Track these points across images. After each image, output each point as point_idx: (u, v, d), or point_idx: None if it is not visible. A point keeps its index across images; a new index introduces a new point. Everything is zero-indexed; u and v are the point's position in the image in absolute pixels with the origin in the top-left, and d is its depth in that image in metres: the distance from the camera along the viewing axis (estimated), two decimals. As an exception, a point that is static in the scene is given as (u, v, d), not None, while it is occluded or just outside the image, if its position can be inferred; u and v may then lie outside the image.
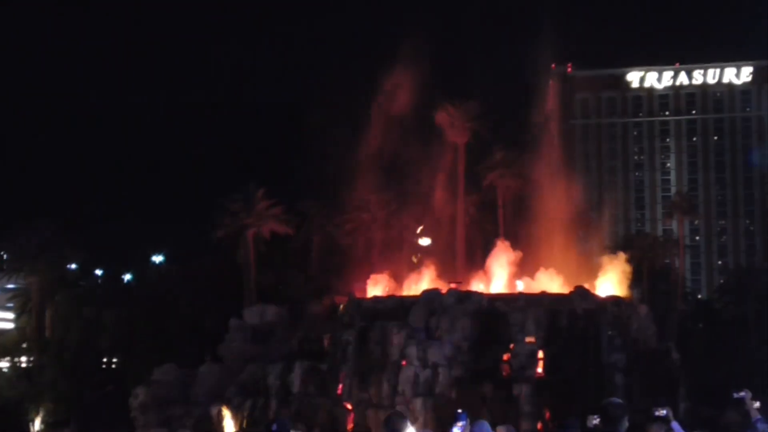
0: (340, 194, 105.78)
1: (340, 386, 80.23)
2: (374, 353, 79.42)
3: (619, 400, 13.23)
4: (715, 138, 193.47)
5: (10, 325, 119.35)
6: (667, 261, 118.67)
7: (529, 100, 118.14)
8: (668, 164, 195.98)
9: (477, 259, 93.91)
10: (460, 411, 14.82)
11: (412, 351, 78.16)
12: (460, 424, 14.71)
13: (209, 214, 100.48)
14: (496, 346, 78.10)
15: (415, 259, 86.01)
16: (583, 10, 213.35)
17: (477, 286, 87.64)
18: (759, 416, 18.10)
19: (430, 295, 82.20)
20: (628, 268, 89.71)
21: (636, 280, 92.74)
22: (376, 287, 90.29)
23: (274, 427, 16.82)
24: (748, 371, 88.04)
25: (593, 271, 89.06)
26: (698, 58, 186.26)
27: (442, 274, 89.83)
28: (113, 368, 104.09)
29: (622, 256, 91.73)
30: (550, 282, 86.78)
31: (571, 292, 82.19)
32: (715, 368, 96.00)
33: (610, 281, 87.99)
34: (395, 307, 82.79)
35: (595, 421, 17.58)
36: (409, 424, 13.31)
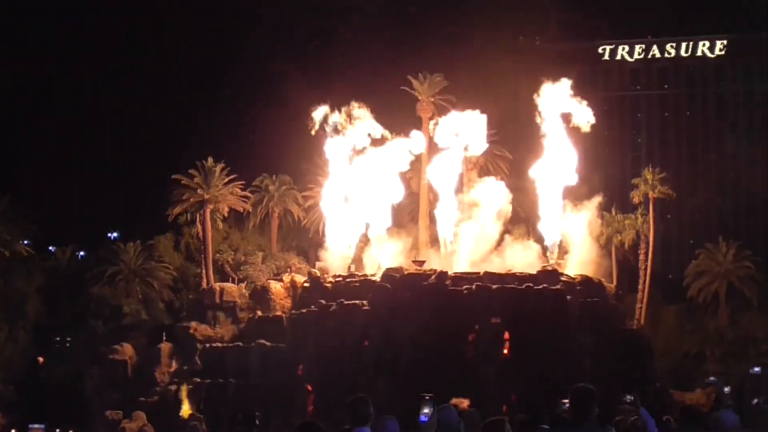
0: (299, 170, 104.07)
1: (300, 367, 78.78)
2: (335, 333, 77.82)
3: (590, 386, 12.62)
4: (688, 113, 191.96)
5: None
6: (638, 240, 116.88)
7: (497, 73, 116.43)
8: (639, 140, 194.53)
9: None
10: (427, 397, 12.97)
11: (374, 331, 76.80)
12: (426, 410, 13.45)
13: (166, 190, 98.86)
14: (461, 326, 76.48)
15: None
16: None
17: (434, 259, 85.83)
18: (730, 401, 17.35)
19: (393, 274, 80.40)
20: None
21: (605, 260, 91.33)
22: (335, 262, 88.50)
23: (240, 417, 16.71)
24: (719, 354, 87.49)
25: (561, 250, 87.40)
26: (671, 30, 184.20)
27: (405, 251, 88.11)
28: (68, 347, 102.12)
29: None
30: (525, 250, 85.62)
31: (538, 272, 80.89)
32: (686, 350, 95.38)
33: (580, 260, 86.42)
34: (357, 286, 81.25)
35: (566, 405, 16.36)
36: (371, 407, 12.44)
